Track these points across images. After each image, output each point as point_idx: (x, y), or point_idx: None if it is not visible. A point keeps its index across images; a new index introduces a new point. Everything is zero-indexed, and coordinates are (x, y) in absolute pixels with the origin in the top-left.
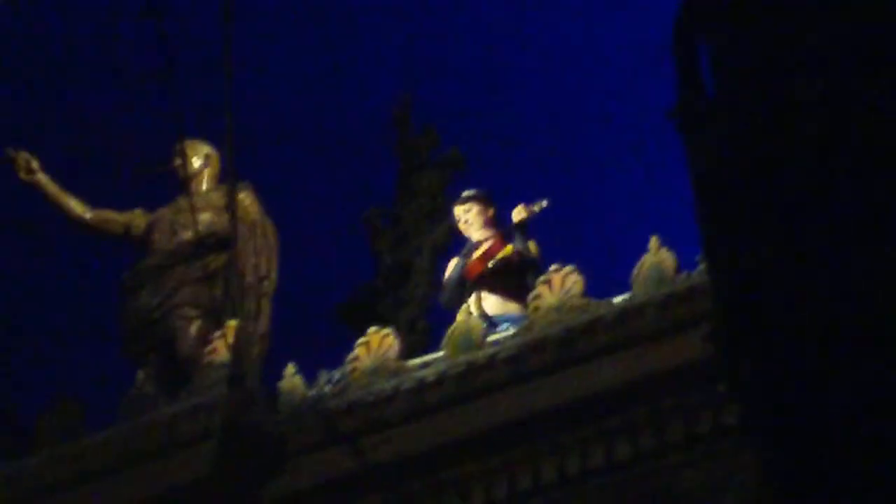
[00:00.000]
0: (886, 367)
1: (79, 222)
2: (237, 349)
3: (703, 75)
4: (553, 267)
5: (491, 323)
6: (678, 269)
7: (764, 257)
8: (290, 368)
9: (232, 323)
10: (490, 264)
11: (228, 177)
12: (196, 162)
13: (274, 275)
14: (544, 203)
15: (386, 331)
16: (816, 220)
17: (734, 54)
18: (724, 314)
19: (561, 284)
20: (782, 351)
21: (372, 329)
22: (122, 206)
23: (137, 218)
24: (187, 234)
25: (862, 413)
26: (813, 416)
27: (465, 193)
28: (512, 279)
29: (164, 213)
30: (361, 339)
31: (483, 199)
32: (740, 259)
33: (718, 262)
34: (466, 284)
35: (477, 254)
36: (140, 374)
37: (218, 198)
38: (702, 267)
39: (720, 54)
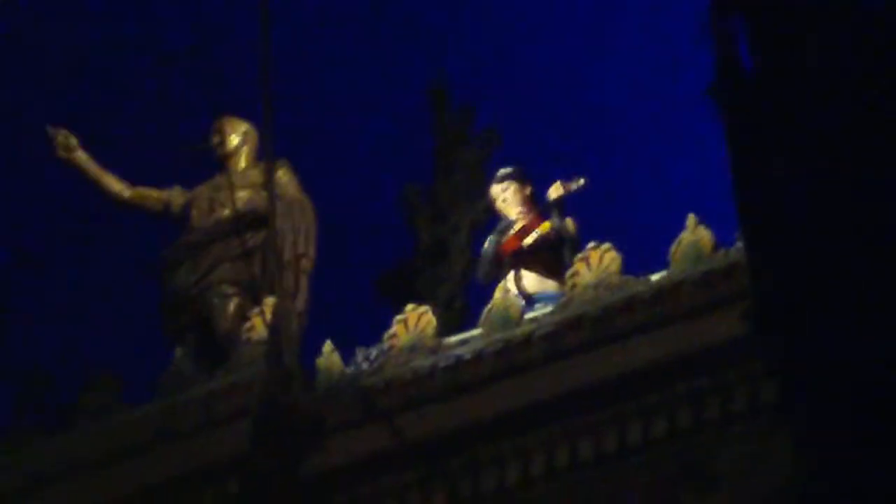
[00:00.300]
0: None
1: (117, 200)
2: (275, 327)
3: (741, 52)
4: (590, 244)
5: (528, 300)
6: (715, 247)
7: (804, 236)
8: (328, 346)
9: (270, 300)
10: (526, 241)
11: (266, 154)
12: (234, 139)
13: (312, 252)
14: (581, 181)
15: (423, 308)
16: (857, 197)
17: (772, 30)
18: (762, 292)
19: (598, 262)
20: (819, 330)
21: (409, 306)
22: (160, 183)
23: (176, 195)
24: (225, 212)
25: (890, 389)
26: (848, 395)
27: (502, 172)
28: (549, 257)
29: (203, 190)
30: (399, 317)
31: (520, 177)
32: (779, 238)
33: (757, 240)
34: (503, 261)
35: (514, 230)
36: (178, 352)
37: (256, 175)
38: (739, 245)
39: (758, 30)
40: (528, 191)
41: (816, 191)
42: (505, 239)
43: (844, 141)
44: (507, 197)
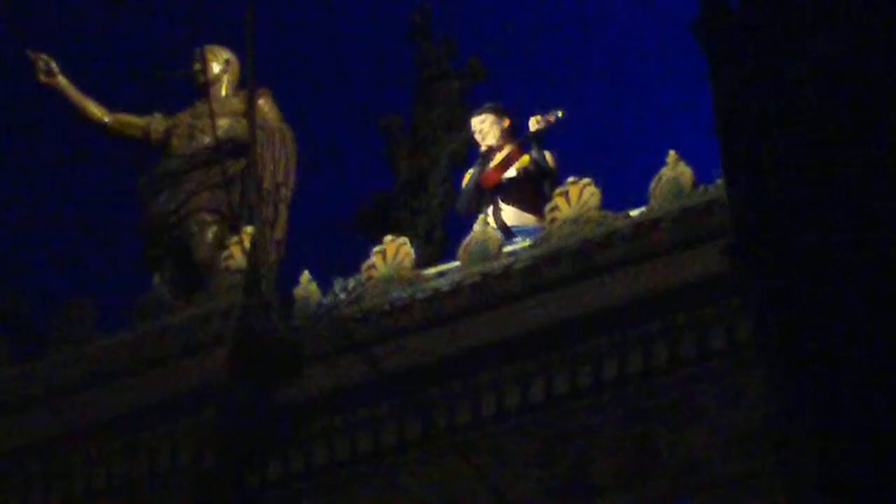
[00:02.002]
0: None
1: (97, 125)
2: (253, 255)
3: None
4: (570, 179)
5: (507, 234)
6: (696, 184)
7: (784, 173)
8: (306, 276)
9: (248, 229)
10: (506, 174)
11: (248, 82)
12: (216, 67)
13: (291, 181)
14: (560, 113)
15: (402, 240)
16: (839, 135)
17: None
18: (741, 229)
19: (578, 196)
20: (797, 267)
21: (388, 238)
22: (141, 110)
23: (156, 122)
24: (206, 140)
25: (872, 329)
26: (824, 332)
27: (483, 105)
28: (528, 190)
29: (183, 117)
30: (377, 248)
31: (499, 110)
32: (760, 174)
33: (737, 176)
34: (482, 194)
35: (493, 163)
36: (156, 278)
37: (237, 104)
38: (720, 181)
39: None
40: (506, 123)
41: (798, 127)
42: (485, 171)
43: (828, 76)
44: (484, 129)
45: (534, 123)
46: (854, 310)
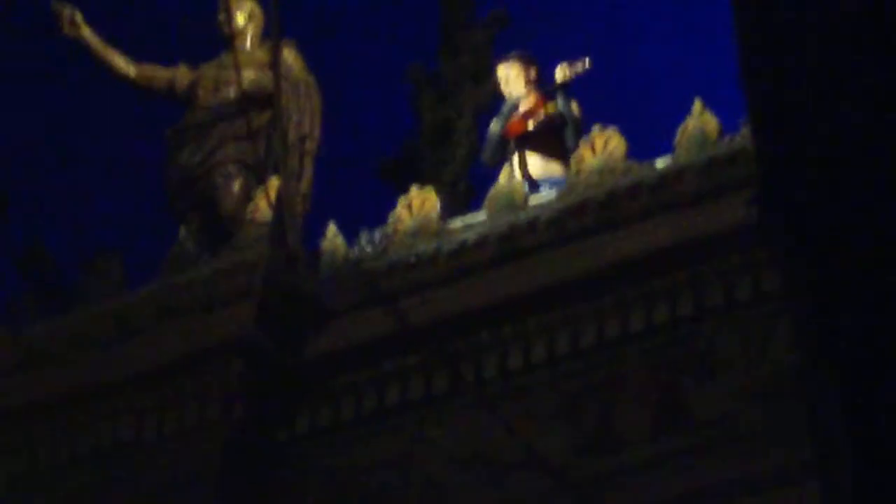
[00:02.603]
0: None
1: (123, 77)
2: (279, 208)
3: None
4: (596, 128)
5: (532, 184)
6: (721, 133)
7: (812, 121)
8: (332, 228)
9: (274, 181)
10: (531, 123)
11: (273, 34)
12: (240, 18)
13: (317, 133)
14: (587, 62)
15: (428, 189)
16: (868, 81)
17: None
18: (767, 179)
19: (603, 146)
20: (825, 215)
21: (413, 189)
22: (166, 61)
23: (181, 74)
24: (231, 91)
25: None
26: (852, 281)
27: (509, 53)
28: (554, 140)
29: (208, 69)
30: (403, 199)
31: (525, 59)
32: (787, 122)
33: (764, 126)
34: (508, 143)
35: (519, 113)
36: (182, 231)
37: (262, 55)
38: (745, 131)
39: None
40: (532, 72)
41: (826, 76)
42: (510, 121)
43: (857, 26)
44: (511, 77)
45: (560, 73)
46: (886, 259)
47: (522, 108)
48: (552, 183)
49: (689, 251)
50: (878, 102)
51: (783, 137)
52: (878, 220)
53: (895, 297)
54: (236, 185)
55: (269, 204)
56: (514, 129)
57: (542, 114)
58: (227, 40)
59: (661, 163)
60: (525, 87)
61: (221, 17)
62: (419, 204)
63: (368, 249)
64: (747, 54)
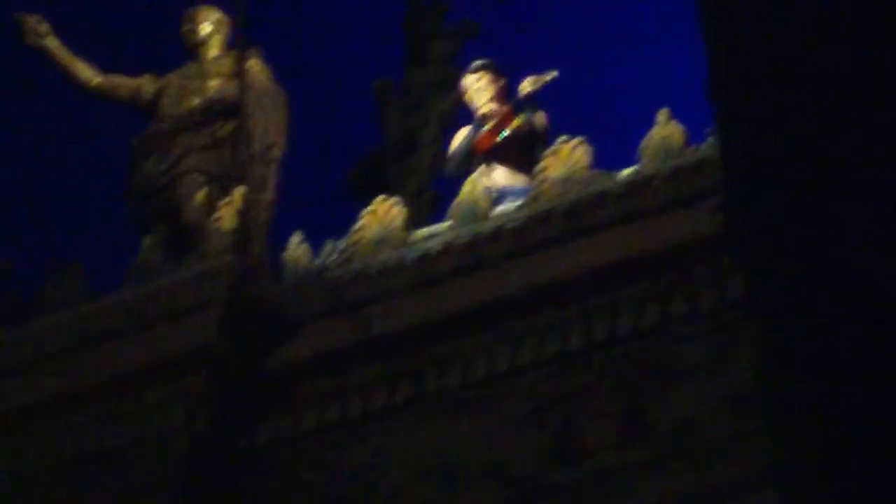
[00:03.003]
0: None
1: (87, 87)
2: (243, 217)
3: None
4: (561, 138)
5: (498, 194)
6: (687, 143)
7: (778, 131)
8: (296, 237)
9: (239, 190)
10: (500, 138)
11: (238, 43)
12: (206, 27)
13: (282, 142)
14: (553, 74)
15: (393, 200)
16: (835, 93)
17: None
18: (733, 189)
19: (568, 156)
20: (790, 226)
21: (378, 198)
22: (131, 71)
23: (146, 83)
24: (196, 101)
25: (867, 286)
26: (817, 291)
27: (476, 62)
28: (520, 151)
29: (173, 78)
30: (367, 209)
31: (494, 69)
32: (753, 132)
33: (729, 134)
34: (474, 156)
35: (487, 127)
36: (146, 241)
37: (227, 64)
38: (711, 140)
39: None
40: (501, 83)
41: (793, 86)
42: (479, 135)
43: (823, 33)
44: (480, 87)
45: (527, 85)
46: (848, 268)
47: (491, 121)
48: (517, 193)
49: (654, 261)
50: (845, 111)
51: (749, 146)
52: (844, 229)
53: (860, 305)
54: (201, 195)
55: (234, 213)
56: (483, 143)
57: (510, 127)
58: (192, 49)
59: (626, 172)
60: (493, 97)
61: (187, 26)
62: (383, 213)
63: (333, 259)
64: (714, 64)
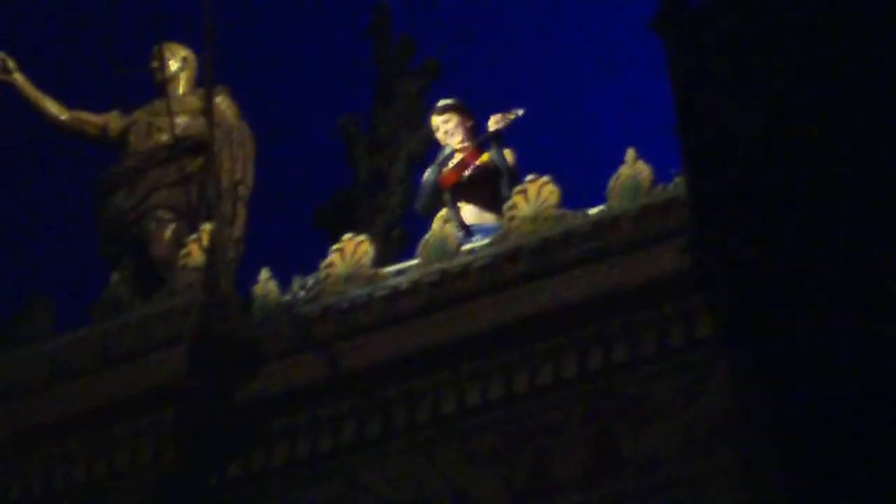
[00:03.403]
0: (855, 274)
1: (54, 123)
2: (212, 253)
3: None
4: (529, 177)
5: (466, 232)
6: (654, 182)
7: (743, 170)
8: (265, 273)
9: (207, 227)
10: (466, 173)
11: (206, 80)
12: (173, 65)
13: (250, 179)
14: (520, 112)
15: (361, 237)
16: (802, 131)
17: None
18: (700, 227)
19: (537, 194)
20: (756, 263)
21: (347, 235)
22: (98, 108)
23: (113, 120)
24: (163, 137)
25: (836, 324)
26: (786, 328)
27: (443, 102)
28: (488, 189)
29: (141, 115)
30: (336, 246)
31: (463, 109)
32: (718, 171)
33: (696, 174)
34: (442, 193)
35: (452, 163)
36: (114, 276)
37: (195, 101)
38: (678, 180)
39: None
40: (470, 123)
41: (760, 125)
42: (445, 171)
43: (793, 75)
44: (449, 128)
45: (493, 123)
46: (818, 305)
47: (457, 158)
48: (486, 231)
49: (623, 298)
50: (812, 150)
51: (717, 186)
52: (810, 265)
53: (829, 339)
54: (169, 231)
55: (202, 249)
56: (449, 179)
57: (476, 164)
58: (159, 86)
59: (594, 211)
60: (462, 136)
61: (154, 63)
62: (352, 250)
63: (301, 295)
64: (682, 103)
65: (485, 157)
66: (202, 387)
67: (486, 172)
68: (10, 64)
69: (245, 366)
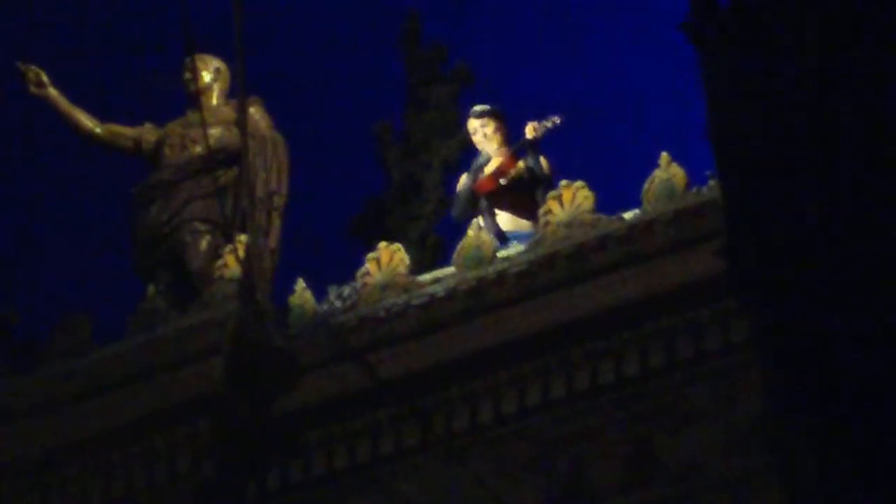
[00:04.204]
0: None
1: (89, 136)
2: (247, 264)
3: None
4: (563, 182)
5: (502, 239)
6: (688, 185)
7: (777, 174)
8: (301, 283)
9: (242, 238)
10: (502, 181)
11: (239, 91)
12: (206, 76)
13: (284, 189)
14: (557, 120)
15: (396, 246)
16: (833, 134)
17: None
18: (735, 230)
19: (571, 200)
20: (791, 268)
21: (382, 244)
22: (132, 120)
23: (147, 132)
24: (197, 149)
25: (869, 326)
26: (820, 331)
27: (480, 108)
28: (523, 196)
29: (174, 127)
30: (372, 255)
31: (500, 116)
32: (752, 174)
33: (730, 177)
34: (477, 200)
35: (488, 170)
36: (150, 289)
37: (228, 112)
38: (712, 183)
39: None
40: (505, 130)
41: (792, 127)
42: (480, 178)
43: (822, 74)
44: (487, 133)
45: (531, 131)
46: (851, 308)
47: (494, 165)
48: (521, 237)
49: (659, 303)
50: (843, 155)
51: (750, 189)
52: (847, 268)
53: (866, 343)
54: (204, 243)
55: (238, 260)
56: (485, 186)
57: (512, 172)
58: (193, 98)
59: (629, 215)
60: (498, 142)
61: (187, 75)
62: (387, 259)
63: (338, 304)
64: (714, 106)
65: (520, 165)
66: (239, 398)
67: (522, 180)
68: (44, 78)
69: (282, 376)
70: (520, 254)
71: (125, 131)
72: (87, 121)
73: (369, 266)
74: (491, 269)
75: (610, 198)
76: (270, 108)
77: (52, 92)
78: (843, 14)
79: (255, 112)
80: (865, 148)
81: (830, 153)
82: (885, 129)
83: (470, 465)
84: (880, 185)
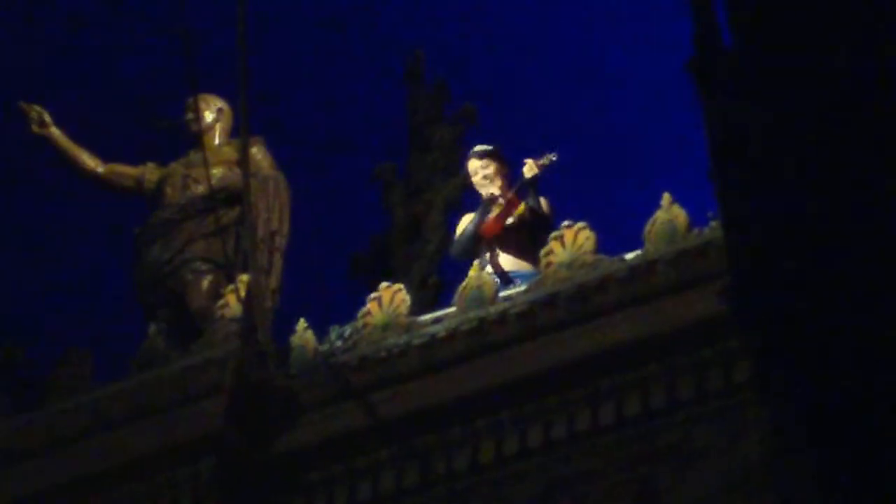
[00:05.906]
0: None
1: (91, 176)
2: (249, 304)
3: (720, 26)
4: (565, 223)
5: (503, 279)
6: (690, 226)
7: (778, 214)
8: (302, 323)
9: (244, 277)
10: (507, 223)
11: (241, 131)
12: (208, 116)
13: (286, 229)
14: (553, 157)
15: (397, 286)
16: (835, 176)
17: (752, 5)
18: (737, 271)
19: (573, 240)
20: (795, 308)
21: (383, 284)
22: (134, 160)
23: (149, 172)
24: (199, 189)
25: (870, 368)
26: (823, 371)
27: (482, 148)
28: (524, 236)
29: (177, 167)
30: (373, 295)
31: (501, 157)
32: (754, 216)
33: (732, 219)
34: (480, 242)
35: (493, 213)
36: (152, 328)
37: (230, 152)
38: (714, 224)
39: (737, 4)
40: (506, 170)
41: (794, 169)
42: (486, 221)
43: (824, 117)
44: (488, 174)
45: (528, 169)
46: (854, 348)
47: (498, 207)
48: (523, 277)
49: (661, 343)
50: (852, 192)
51: (752, 230)
52: (847, 311)
53: (869, 383)
54: (206, 282)
55: (239, 300)
56: (490, 229)
57: (516, 213)
58: (195, 138)
59: (630, 256)
60: (500, 184)
61: (190, 115)
62: (389, 299)
63: (339, 344)
64: (717, 147)
65: (522, 206)
66: (241, 437)
67: (524, 221)
68: (46, 118)
69: (283, 416)
70: (521, 294)
71: (127, 170)
72: (88, 160)
73: (370, 306)
74: (492, 310)
75: (611, 239)
76: (272, 148)
77: (55, 131)
78: (848, 54)
79: (258, 152)
80: (872, 185)
81: (834, 192)
82: (887, 168)
83: None
84: (884, 220)
